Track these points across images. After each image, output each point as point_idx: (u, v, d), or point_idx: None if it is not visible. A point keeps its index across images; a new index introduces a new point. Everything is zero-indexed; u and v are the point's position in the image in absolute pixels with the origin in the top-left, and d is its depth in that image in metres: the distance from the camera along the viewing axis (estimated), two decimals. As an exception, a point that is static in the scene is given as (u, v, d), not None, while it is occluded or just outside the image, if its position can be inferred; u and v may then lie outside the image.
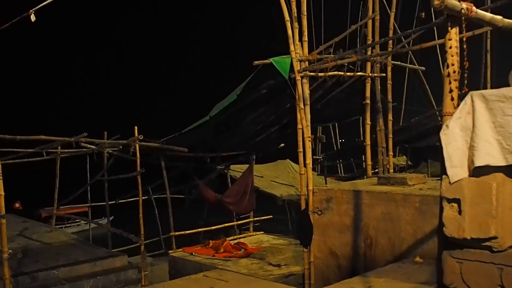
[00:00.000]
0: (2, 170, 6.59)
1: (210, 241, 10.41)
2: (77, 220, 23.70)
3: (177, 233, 10.55)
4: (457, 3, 2.99)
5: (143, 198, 8.88)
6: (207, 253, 9.81)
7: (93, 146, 10.61)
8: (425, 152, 13.20)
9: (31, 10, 6.18)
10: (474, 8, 3.08)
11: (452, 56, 3.10)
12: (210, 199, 11.49)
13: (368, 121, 8.48)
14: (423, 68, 11.31)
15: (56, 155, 11.31)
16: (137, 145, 8.81)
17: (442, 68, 3.22)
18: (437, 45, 7.13)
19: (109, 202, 10.73)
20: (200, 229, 11.73)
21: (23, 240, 10.39)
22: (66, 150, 11.28)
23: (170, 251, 10.23)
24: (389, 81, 8.55)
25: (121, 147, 10.15)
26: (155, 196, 12.94)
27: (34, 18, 6.19)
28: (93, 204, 12.77)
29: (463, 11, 3.02)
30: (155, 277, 9.29)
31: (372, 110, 8.52)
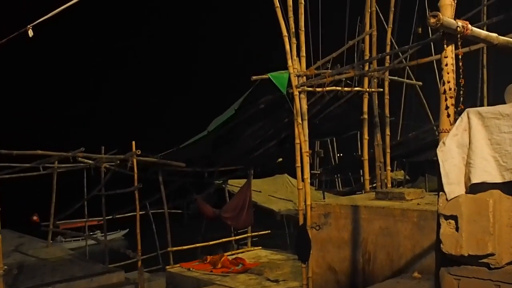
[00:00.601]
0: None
1: (208, 256, 10.36)
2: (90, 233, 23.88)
3: (174, 248, 10.51)
4: (453, 21, 3.02)
5: (140, 213, 8.85)
6: (204, 268, 9.76)
7: (90, 161, 10.62)
8: (423, 167, 13.25)
9: (28, 26, 6.20)
10: (469, 26, 3.11)
11: (448, 73, 3.12)
12: (208, 214, 11.46)
13: (366, 136, 8.50)
14: (420, 83, 11.36)
15: (53, 170, 11.29)
16: (134, 160, 8.82)
17: (439, 83, 3.24)
18: (434, 61, 7.17)
19: (106, 217, 10.69)
20: (198, 244, 11.68)
21: (19, 256, 10.33)
22: (63, 165, 11.26)
23: (167, 267, 10.18)
24: (387, 96, 8.58)
25: (118, 162, 10.15)
26: (152, 211, 12.91)
27: (32, 34, 6.19)
28: (90, 219, 12.71)
29: (458, 29, 3.04)
30: (153, 293, 9.24)
31: (369, 125, 8.54)
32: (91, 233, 24.62)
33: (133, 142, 8.81)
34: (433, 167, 3.05)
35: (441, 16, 2.96)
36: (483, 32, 3.34)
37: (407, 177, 14.62)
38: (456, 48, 3.17)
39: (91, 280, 8.62)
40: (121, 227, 14.30)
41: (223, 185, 12.86)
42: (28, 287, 8.02)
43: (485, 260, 2.91)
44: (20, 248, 11.09)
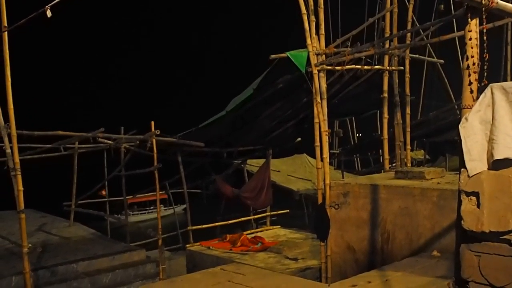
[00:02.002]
0: (21, 166, 6.66)
1: (227, 235, 10.44)
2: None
3: (194, 227, 10.61)
4: (477, -7, 2.95)
5: (161, 193, 8.93)
6: (224, 247, 9.84)
7: (110, 142, 10.70)
8: (443, 147, 13.08)
9: (47, 6, 6.23)
10: (494, -2, 3.03)
11: (472, 48, 3.06)
12: (227, 194, 11.51)
13: (386, 115, 8.42)
14: (441, 61, 11.19)
15: (74, 151, 11.42)
16: (154, 140, 8.86)
17: (461, 61, 3.18)
18: (456, 38, 7.04)
19: (127, 197, 10.81)
20: (217, 224, 11.77)
21: (42, 235, 10.53)
22: (83, 146, 11.37)
23: (187, 245, 10.28)
24: (407, 75, 8.47)
25: (138, 142, 10.21)
26: (172, 191, 13.02)
27: (50, 14, 6.22)
28: (111, 199, 12.87)
29: (483, 1, 2.98)
30: (173, 271, 9.35)
31: (389, 104, 8.46)
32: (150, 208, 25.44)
33: (152, 122, 8.85)
34: (454, 147, 3.03)
35: (465, -13, 2.89)
36: (509, 5, 3.26)
37: (427, 157, 14.47)
38: (481, 22, 3.11)
39: (113, 258, 8.77)
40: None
41: (242, 165, 12.89)
42: (52, 264, 8.18)
43: (506, 237, 2.89)
44: (44, 228, 11.30)
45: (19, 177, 6.55)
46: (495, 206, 2.86)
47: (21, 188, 6.56)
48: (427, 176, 6.70)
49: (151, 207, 25.95)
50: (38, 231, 11.01)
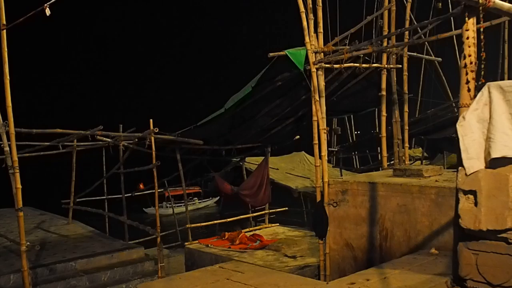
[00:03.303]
0: (19, 164, 6.66)
1: (226, 233, 10.46)
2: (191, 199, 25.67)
3: (193, 225, 10.62)
4: (475, -8, 2.96)
5: (159, 190, 8.94)
6: (223, 245, 9.86)
7: (108, 139, 10.70)
8: (441, 144, 13.11)
9: (46, 4, 6.23)
10: (491, -3, 3.04)
11: (469, 47, 3.07)
12: (226, 191, 11.52)
13: (384, 113, 8.44)
14: (439, 59, 11.20)
15: (72, 148, 11.42)
16: (152, 138, 8.86)
17: (459, 59, 3.20)
18: (454, 36, 7.05)
19: (125, 195, 10.81)
20: (216, 221, 11.78)
21: (41, 233, 10.55)
22: (82, 143, 11.37)
23: (186, 243, 10.30)
24: (405, 73, 8.49)
25: (136, 140, 10.21)
26: (171, 189, 13.02)
27: (49, 12, 6.22)
28: (109, 196, 12.89)
29: (480, 1, 2.99)
30: (172, 269, 9.37)
31: (388, 102, 8.47)
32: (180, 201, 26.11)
33: (151, 120, 8.84)
34: (452, 145, 3.04)
35: (462, -13, 2.90)
36: (506, 4, 3.27)
37: (425, 154, 14.50)
38: (478, 21, 3.12)
39: (112, 256, 8.78)
40: (136, 205, 14.55)
41: (241, 163, 12.90)
42: (50, 262, 8.19)
43: (504, 235, 2.91)
44: (42, 225, 11.32)
45: (17, 175, 6.54)
46: (493, 204, 2.88)
47: (19, 186, 6.55)
48: (425, 174, 6.72)
49: (189, 200, 26.78)
50: (36, 229, 11.03)
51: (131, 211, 11.19)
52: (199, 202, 21.34)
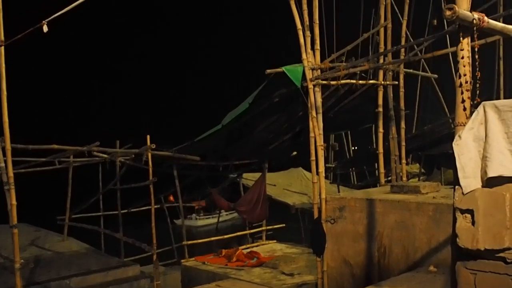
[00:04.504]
0: (15, 180, 6.62)
1: (223, 250, 10.40)
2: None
3: (189, 242, 10.56)
4: (469, 13, 2.98)
5: (155, 207, 8.90)
6: (219, 262, 9.80)
7: (105, 155, 10.68)
8: (438, 160, 13.12)
9: (44, 21, 6.25)
10: (485, 18, 3.07)
11: (464, 66, 3.09)
12: (223, 207, 11.49)
13: (381, 129, 8.45)
14: (435, 75, 11.25)
15: (69, 164, 11.38)
16: (149, 154, 8.85)
17: (454, 75, 3.21)
18: (450, 52, 7.09)
19: (122, 211, 10.76)
20: (212, 238, 11.72)
21: (35, 250, 10.44)
22: (78, 159, 11.34)
23: (182, 260, 10.24)
24: (402, 89, 8.52)
25: (133, 156, 10.19)
26: (167, 205, 12.97)
27: (47, 29, 6.24)
28: (105, 213, 12.82)
29: (474, 21, 3.01)
30: (168, 287, 9.33)
31: (384, 118, 8.49)
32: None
33: (148, 136, 8.85)
34: (449, 160, 3.03)
35: (457, 8, 2.93)
36: (499, 24, 3.30)
37: (422, 170, 14.51)
38: (472, 40, 3.14)
39: (107, 273, 8.69)
40: (133, 222, 14.56)
41: (238, 179, 12.87)
42: (44, 280, 8.11)
43: (501, 254, 2.89)
44: (37, 242, 11.22)
45: (13, 191, 6.50)
46: (490, 223, 2.87)
47: (14, 202, 6.50)
48: (423, 190, 6.71)
49: (216, 212, 27.10)
50: (31, 245, 10.92)
51: (161, 220, 11.13)
52: (226, 214, 21.84)
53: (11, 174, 6.48)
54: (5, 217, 6.74)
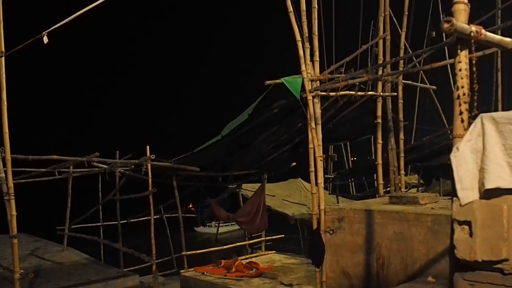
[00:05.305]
0: (15, 190, 6.64)
1: (222, 260, 10.38)
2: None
3: (189, 252, 10.55)
4: (467, 26, 3.02)
5: (155, 217, 8.91)
6: (219, 272, 9.78)
7: (105, 166, 10.70)
8: (437, 171, 13.13)
9: (44, 32, 6.30)
10: (483, 31, 3.10)
11: (462, 78, 3.12)
12: (222, 218, 11.48)
13: (380, 140, 8.47)
14: (434, 87, 11.31)
15: (68, 175, 11.40)
16: (149, 165, 8.87)
17: (453, 87, 3.24)
18: (448, 64, 7.13)
19: (121, 222, 10.75)
20: (212, 249, 11.69)
21: (35, 260, 10.43)
22: (78, 170, 11.36)
23: (182, 271, 10.21)
24: (401, 100, 8.55)
25: (133, 166, 10.21)
26: (167, 215, 12.96)
27: (47, 40, 6.29)
28: (105, 223, 12.80)
29: (472, 34, 3.04)
30: (167, 297, 9.29)
31: (383, 129, 8.52)
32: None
33: (148, 147, 8.87)
34: (448, 171, 3.05)
35: (454, 21, 2.96)
36: (497, 37, 3.34)
37: (421, 181, 14.53)
38: (470, 53, 3.17)
39: (106, 284, 8.68)
40: (132, 233, 14.58)
41: (237, 190, 12.87)
42: (44, 290, 8.11)
43: (499, 266, 2.90)
44: (36, 252, 11.21)
45: (13, 202, 6.52)
46: (488, 235, 2.88)
47: (14, 212, 6.52)
48: (421, 201, 6.72)
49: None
50: (30, 255, 10.92)
51: (160, 231, 11.12)
52: (232, 224, 22.42)
53: (11, 184, 6.51)
54: (5, 227, 6.75)
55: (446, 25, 2.97)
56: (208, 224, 27.89)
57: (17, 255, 6.48)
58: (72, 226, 11.78)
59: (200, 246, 11.32)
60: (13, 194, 6.53)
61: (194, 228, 26.28)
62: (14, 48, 6.47)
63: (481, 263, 2.91)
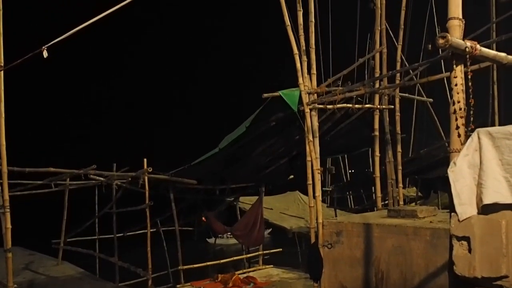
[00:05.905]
0: (10, 202, 6.59)
1: (219, 275, 10.30)
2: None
3: (185, 266, 10.47)
4: (461, 42, 3.02)
5: (151, 230, 8.85)
6: (216, 287, 9.70)
7: (102, 178, 10.65)
8: (435, 183, 13.13)
9: (44, 47, 6.30)
10: (478, 46, 3.11)
11: (458, 93, 3.12)
12: (219, 231, 11.41)
13: (377, 153, 8.47)
14: (430, 99, 11.33)
15: (65, 187, 11.35)
16: (146, 178, 8.83)
17: (450, 99, 3.24)
18: (445, 77, 7.15)
19: (117, 235, 10.69)
20: (209, 263, 11.62)
21: (29, 274, 10.33)
22: (74, 182, 11.31)
23: (178, 285, 10.13)
24: (398, 113, 8.57)
25: (130, 179, 10.17)
26: (163, 229, 12.89)
27: (46, 54, 6.29)
28: (101, 236, 12.72)
29: (467, 49, 3.05)
30: (163, 312, 9.20)
31: (381, 142, 8.52)
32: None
33: (145, 160, 8.84)
34: (446, 184, 3.03)
35: (449, 37, 2.96)
36: (492, 52, 3.34)
37: (419, 194, 14.50)
38: (466, 67, 3.17)
39: (102, 298, 8.62)
40: (128, 246, 14.51)
41: (235, 203, 12.82)
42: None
43: (499, 282, 2.88)
44: (31, 266, 11.10)
45: (8, 215, 6.47)
46: (487, 250, 2.86)
47: (9, 226, 6.47)
48: (420, 215, 6.69)
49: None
50: (25, 269, 10.80)
51: (156, 244, 11.05)
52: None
53: (7, 197, 6.46)
54: (0, 240, 6.69)
55: (441, 41, 2.98)
56: (219, 235, 27.66)
57: (11, 270, 6.41)
58: (68, 240, 11.69)
59: (213, 258, 11.26)
60: (8, 207, 6.48)
61: (207, 239, 26.31)
62: (14, 63, 6.46)
63: (480, 279, 2.88)
